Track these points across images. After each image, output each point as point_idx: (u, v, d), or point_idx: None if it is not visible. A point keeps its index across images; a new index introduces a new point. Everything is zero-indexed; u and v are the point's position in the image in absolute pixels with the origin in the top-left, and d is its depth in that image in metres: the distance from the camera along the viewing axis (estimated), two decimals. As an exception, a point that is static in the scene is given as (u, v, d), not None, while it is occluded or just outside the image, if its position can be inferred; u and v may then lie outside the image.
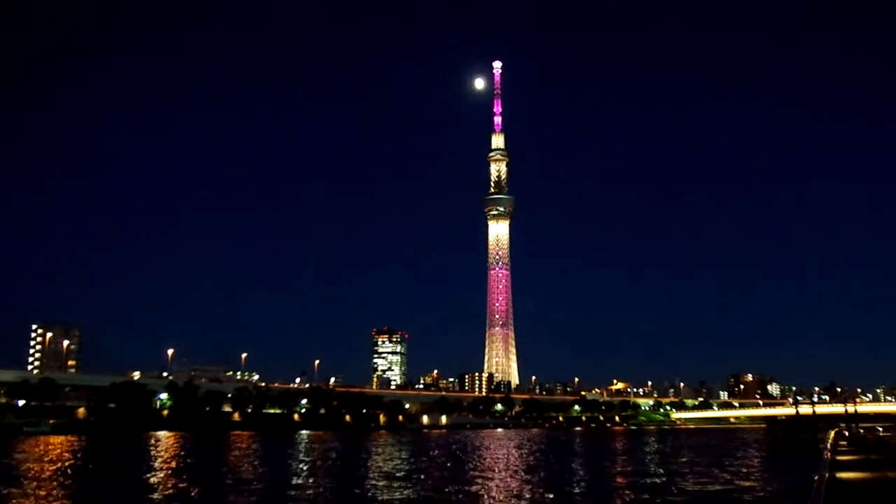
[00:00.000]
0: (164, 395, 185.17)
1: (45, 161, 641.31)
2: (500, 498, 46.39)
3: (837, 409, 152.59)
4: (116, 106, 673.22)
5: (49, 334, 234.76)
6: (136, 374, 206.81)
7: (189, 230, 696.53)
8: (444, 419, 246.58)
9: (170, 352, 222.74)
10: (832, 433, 61.85)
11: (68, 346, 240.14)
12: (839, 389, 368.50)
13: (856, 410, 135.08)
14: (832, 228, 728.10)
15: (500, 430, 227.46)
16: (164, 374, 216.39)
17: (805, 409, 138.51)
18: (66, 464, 69.50)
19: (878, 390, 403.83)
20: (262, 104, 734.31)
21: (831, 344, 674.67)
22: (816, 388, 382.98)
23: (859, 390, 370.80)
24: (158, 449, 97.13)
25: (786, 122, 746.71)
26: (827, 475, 19.75)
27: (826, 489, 15.68)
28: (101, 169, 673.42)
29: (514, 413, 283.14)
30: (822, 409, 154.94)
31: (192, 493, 47.25)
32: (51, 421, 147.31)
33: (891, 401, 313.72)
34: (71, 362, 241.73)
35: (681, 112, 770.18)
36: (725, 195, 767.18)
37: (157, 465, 69.48)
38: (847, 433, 71.70)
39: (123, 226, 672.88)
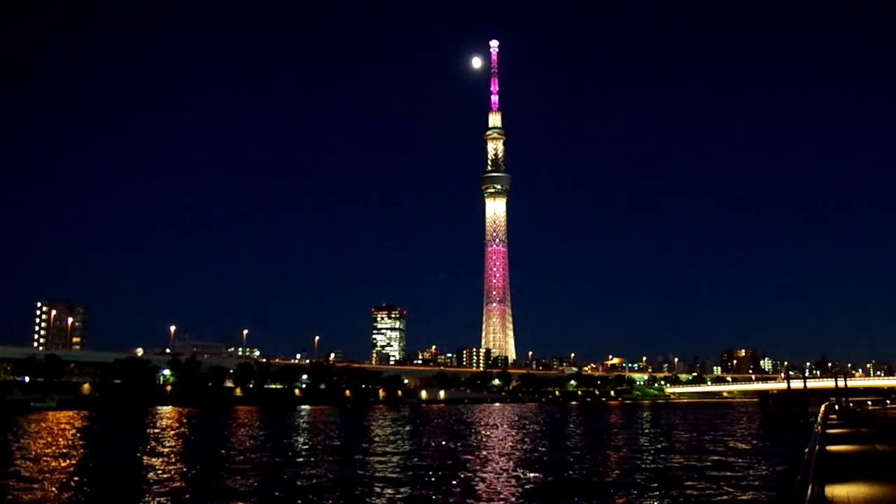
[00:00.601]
0: (167, 372, 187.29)
1: (49, 142, 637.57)
2: (497, 469, 47.16)
3: (828, 383, 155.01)
4: (116, 96, 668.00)
5: (54, 312, 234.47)
6: (140, 351, 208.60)
7: (190, 210, 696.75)
8: (442, 394, 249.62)
9: (172, 329, 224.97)
10: (823, 407, 63.80)
11: (73, 323, 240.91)
12: (830, 364, 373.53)
13: (846, 385, 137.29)
14: (824, 207, 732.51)
15: (497, 404, 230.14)
16: (167, 350, 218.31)
17: (796, 384, 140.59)
18: (72, 439, 70.35)
19: (868, 365, 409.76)
20: (259, 85, 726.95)
21: (823, 320, 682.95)
22: (808, 363, 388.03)
23: (850, 365, 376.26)
24: (162, 424, 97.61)
25: (784, 115, 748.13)
26: (817, 448, 19.76)
27: (816, 462, 15.69)
28: (104, 150, 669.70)
29: (510, 388, 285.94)
30: (813, 383, 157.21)
31: (195, 467, 47.40)
32: (56, 397, 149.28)
33: (880, 375, 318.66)
34: (76, 339, 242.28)
35: (677, 88, 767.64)
36: (721, 173, 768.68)
37: (160, 439, 69.86)
38: (837, 407, 73.72)
39: (126, 206, 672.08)
